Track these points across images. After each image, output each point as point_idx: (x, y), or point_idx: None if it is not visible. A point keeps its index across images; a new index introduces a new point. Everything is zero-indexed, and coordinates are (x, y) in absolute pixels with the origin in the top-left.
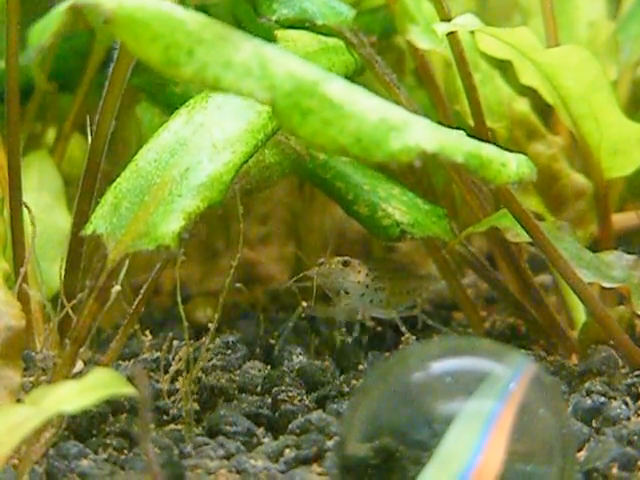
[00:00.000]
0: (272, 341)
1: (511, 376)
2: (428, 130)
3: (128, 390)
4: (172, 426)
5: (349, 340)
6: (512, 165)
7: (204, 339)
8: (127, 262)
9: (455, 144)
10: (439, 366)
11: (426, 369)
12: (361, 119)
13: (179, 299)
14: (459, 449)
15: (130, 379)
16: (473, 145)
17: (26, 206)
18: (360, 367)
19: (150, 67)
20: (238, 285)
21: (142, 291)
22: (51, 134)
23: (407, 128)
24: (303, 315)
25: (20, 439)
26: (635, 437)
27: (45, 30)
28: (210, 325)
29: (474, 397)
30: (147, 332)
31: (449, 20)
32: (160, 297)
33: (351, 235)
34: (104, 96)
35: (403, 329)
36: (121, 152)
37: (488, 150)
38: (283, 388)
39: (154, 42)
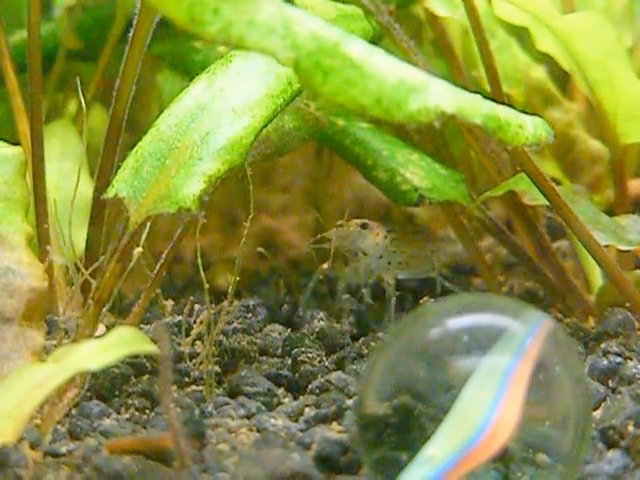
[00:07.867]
0: (293, 305)
1: (527, 332)
2: (447, 91)
3: (150, 348)
4: (193, 387)
5: (369, 303)
6: (529, 127)
7: (225, 302)
8: (148, 226)
9: (473, 106)
10: (456, 323)
11: (443, 326)
12: (381, 80)
13: (200, 261)
14: (476, 405)
15: (153, 340)
16: (491, 107)
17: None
18: (379, 330)
19: (174, 25)
20: (259, 249)
21: (164, 255)
22: (73, 105)
23: (426, 89)
24: (322, 277)
25: (43, 397)
26: None
27: None
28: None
29: (490, 353)
30: (169, 299)
31: None
32: (181, 265)
33: (370, 203)
34: (124, 60)
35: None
36: (143, 121)
37: (506, 112)
38: (303, 350)
39: (179, 0)
